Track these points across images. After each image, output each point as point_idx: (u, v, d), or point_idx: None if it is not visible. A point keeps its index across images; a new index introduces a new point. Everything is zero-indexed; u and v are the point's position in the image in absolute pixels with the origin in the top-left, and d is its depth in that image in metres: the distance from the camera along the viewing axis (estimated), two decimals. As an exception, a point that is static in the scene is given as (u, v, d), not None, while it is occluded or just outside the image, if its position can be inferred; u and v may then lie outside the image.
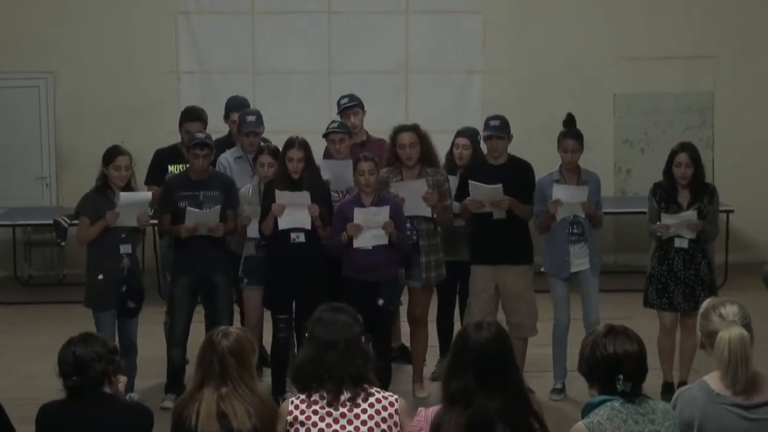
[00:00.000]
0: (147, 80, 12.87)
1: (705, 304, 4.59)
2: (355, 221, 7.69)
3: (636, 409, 4.24)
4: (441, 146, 8.72)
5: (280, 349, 8.02)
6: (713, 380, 4.45)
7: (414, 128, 8.25)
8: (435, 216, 8.11)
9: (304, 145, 7.88)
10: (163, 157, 8.94)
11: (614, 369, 4.24)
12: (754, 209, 12.75)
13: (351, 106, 8.99)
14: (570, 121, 8.16)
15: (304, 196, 7.75)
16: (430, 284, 8.27)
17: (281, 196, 7.77)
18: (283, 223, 7.79)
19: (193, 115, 8.96)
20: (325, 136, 8.51)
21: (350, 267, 7.81)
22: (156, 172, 8.81)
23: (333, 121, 8.67)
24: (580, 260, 8.09)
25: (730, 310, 4.48)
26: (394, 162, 8.20)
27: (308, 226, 7.79)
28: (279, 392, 7.78)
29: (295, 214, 7.77)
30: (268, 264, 8.03)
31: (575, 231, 8.05)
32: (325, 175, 8.23)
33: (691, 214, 7.71)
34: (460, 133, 8.77)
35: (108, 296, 7.81)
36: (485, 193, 7.93)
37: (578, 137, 8.11)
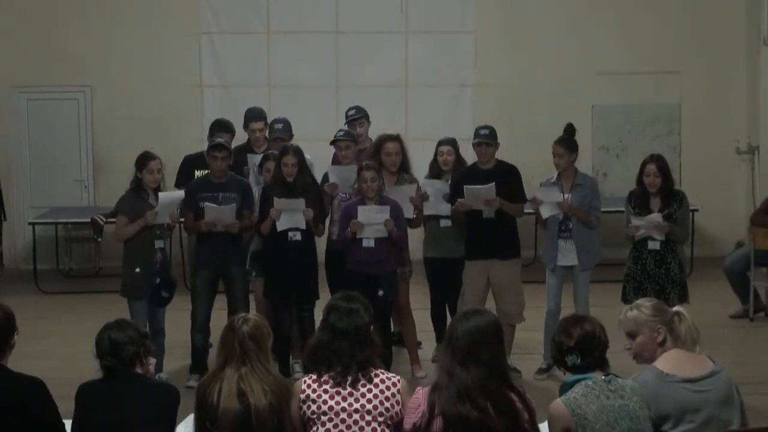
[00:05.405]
0: (173, 93, 12.86)
1: (633, 312, 4.71)
2: (359, 218, 7.71)
3: (607, 387, 4.32)
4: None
5: (283, 335, 7.94)
6: (662, 363, 4.57)
7: (397, 138, 8.27)
8: (414, 216, 8.16)
9: (298, 152, 7.87)
10: (191, 162, 8.94)
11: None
12: (717, 209, 12.73)
13: (357, 117, 9.01)
14: (567, 130, 8.08)
15: (300, 203, 7.77)
16: (408, 276, 8.29)
17: (279, 202, 7.78)
18: (281, 225, 7.81)
19: (225, 128, 9.00)
20: (333, 143, 8.50)
21: (353, 261, 7.81)
22: (185, 176, 8.81)
23: (340, 130, 8.66)
24: (568, 255, 7.99)
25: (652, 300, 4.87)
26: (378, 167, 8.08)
27: (303, 226, 7.81)
28: (284, 375, 7.74)
29: (292, 216, 7.79)
30: (266, 259, 8.02)
31: (563, 228, 7.98)
32: (333, 179, 8.25)
33: (656, 216, 7.57)
34: (442, 142, 8.57)
35: (143, 287, 7.80)
36: (479, 193, 7.90)
37: (566, 144, 7.97)
